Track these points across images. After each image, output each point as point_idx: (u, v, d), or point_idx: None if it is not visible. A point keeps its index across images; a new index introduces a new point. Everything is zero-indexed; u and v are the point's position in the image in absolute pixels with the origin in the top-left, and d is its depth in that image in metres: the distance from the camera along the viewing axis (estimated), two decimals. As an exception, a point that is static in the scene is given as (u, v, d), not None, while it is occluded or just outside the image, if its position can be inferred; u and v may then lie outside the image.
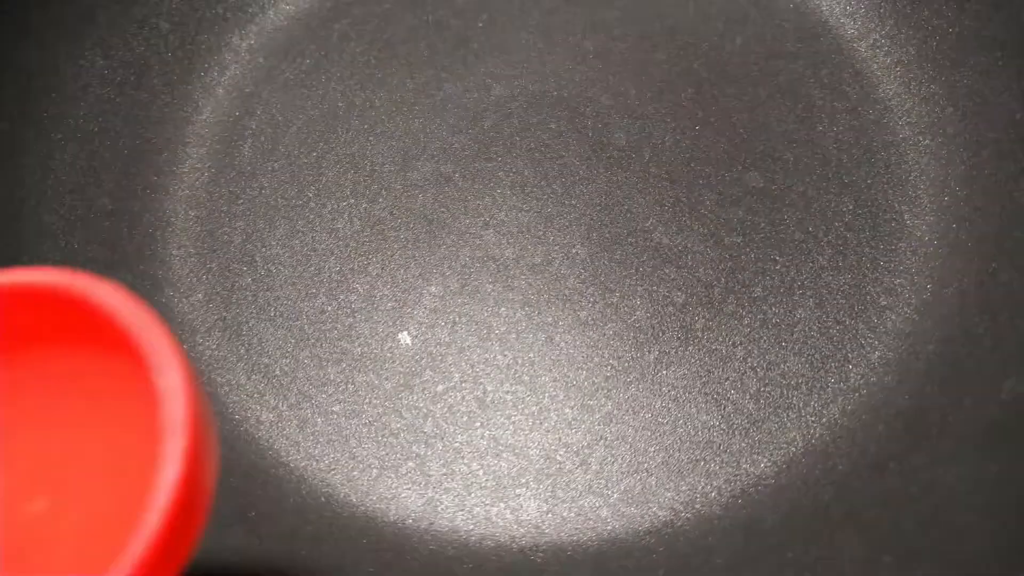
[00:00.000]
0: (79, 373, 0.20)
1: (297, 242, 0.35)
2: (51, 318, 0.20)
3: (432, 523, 0.31)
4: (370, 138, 0.36)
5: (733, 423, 0.32)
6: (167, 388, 0.18)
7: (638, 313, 0.33)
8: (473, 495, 0.32)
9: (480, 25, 0.38)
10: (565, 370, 0.33)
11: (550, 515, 0.31)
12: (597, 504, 0.31)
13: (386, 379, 0.33)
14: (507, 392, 0.33)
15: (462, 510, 0.32)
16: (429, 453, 0.32)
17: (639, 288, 0.34)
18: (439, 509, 0.32)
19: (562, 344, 0.33)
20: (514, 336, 0.33)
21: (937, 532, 0.28)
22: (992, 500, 0.28)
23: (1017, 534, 0.26)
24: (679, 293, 0.33)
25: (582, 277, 0.34)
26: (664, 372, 0.33)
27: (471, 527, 0.31)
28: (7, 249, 0.34)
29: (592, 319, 0.33)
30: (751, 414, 0.32)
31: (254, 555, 0.30)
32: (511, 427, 0.32)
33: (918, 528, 0.28)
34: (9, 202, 0.34)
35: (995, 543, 0.27)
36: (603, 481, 0.32)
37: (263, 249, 0.35)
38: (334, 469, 0.32)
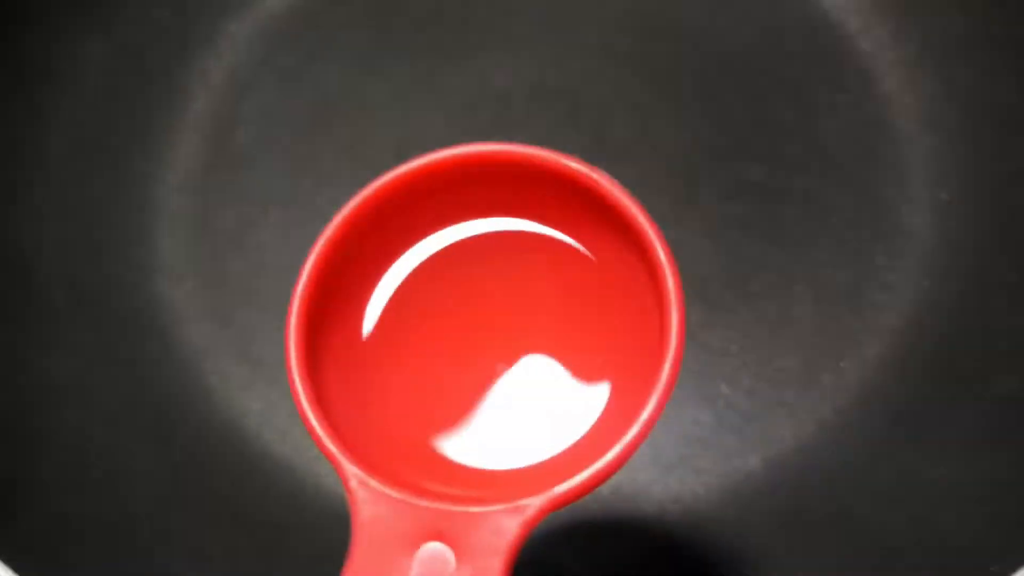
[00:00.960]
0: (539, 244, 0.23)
1: (291, 231, 0.35)
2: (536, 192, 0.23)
3: (421, 515, 0.31)
4: (366, 127, 0.36)
5: (725, 419, 0.32)
6: (659, 261, 0.21)
7: (633, 307, 0.33)
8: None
9: (480, 15, 0.38)
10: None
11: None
12: (586, 499, 0.31)
13: (377, 370, 0.33)
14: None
15: (451, 502, 0.32)
16: (419, 445, 0.32)
17: (634, 282, 0.33)
18: (428, 501, 0.32)
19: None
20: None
21: (925, 529, 0.28)
22: (980, 498, 0.28)
23: (1004, 531, 0.26)
24: (675, 287, 0.33)
25: (577, 270, 0.34)
26: (658, 367, 0.32)
27: (460, 519, 0.31)
28: (0, 233, 0.34)
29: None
30: (744, 410, 0.32)
31: (241, 544, 0.30)
32: (503, 420, 0.32)
33: (906, 525, 0.28)
34: (4, 186, 0.34)
35: (982, 540, 0.27)
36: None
37: (255, 237, 0.35)
38: (322, 459, 0.32)
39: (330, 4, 0.38)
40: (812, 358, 0.32)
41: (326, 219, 0.35)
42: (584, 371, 0.23)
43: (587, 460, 0.21)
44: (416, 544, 0.20)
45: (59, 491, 0.30)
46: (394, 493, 0.20)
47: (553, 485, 0.20)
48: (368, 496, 0.20)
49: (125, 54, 0.37)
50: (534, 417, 0.23)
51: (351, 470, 0.21)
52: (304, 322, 0.22)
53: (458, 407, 0.23)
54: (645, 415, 0.21)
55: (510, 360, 0.23)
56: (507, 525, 0.20)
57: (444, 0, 0.38)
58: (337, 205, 0.35)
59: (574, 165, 0.22)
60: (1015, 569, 0.25)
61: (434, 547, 0.20)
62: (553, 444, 0.22)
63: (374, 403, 0.23)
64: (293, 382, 0.21)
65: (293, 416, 0.33)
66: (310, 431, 0.21)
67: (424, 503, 0.20)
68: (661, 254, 0.21)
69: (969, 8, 0.35)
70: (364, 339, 0.23)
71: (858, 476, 0.30)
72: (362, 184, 0.35)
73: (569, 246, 0.23)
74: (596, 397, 0.23)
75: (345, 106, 0.37)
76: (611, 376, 0.23)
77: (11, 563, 0.26)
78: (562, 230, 0.23)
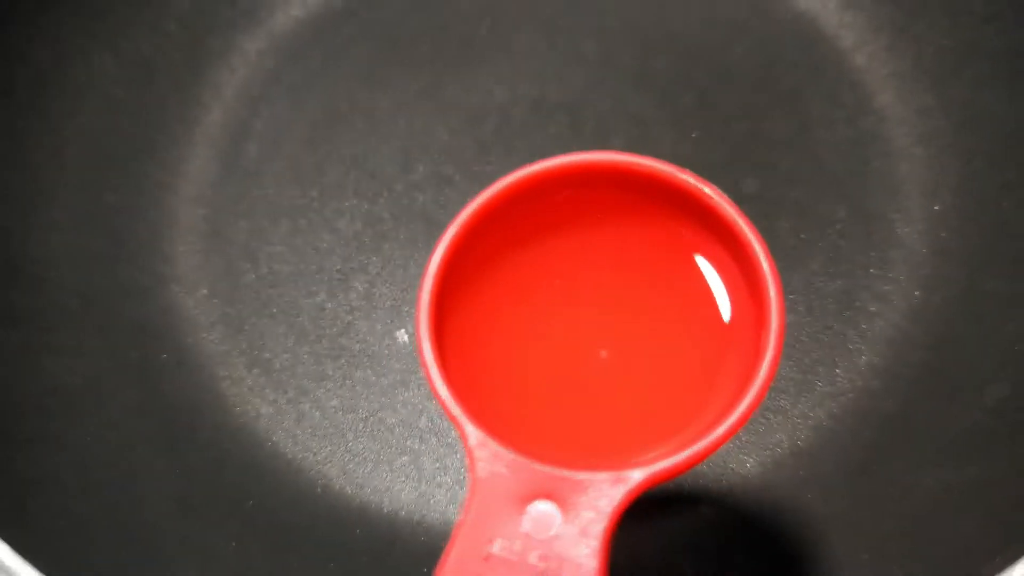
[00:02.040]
0: (643, 245, 0.26)
1: (299, 241, 0.36)
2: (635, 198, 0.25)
3: (424, 516, 0.32)
4: (372, 139, 0.37)
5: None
6: (762, 270, 0.23)
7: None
8: (465, 490, 0.32)
9: (483, 29, 0.38)
10: (559, 370, 0.33)
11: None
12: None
13: (383, 375, 0.34)
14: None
15: (454, 504, 0.32)
16: (423, 448, 0.33)
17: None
18: (431, 502, 0.32)
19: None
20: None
21: (916, 533, 0.28)
22: (971, 503, 0.28)
23: (995, 536, 0.27)
24: (672, 296, 0.34)
25: (578, 279, 0.34)
26: (656, 373, 0.33)
27: (463, 521, 0.32)
28: (16, 242, 0.34)
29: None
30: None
31: (251, 544, 0.31)
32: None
33: (897, 529, 0.29)
34: (19, 197, 0.35)
35: (973, 544, 0.27)
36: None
37: (266, 247, 0.36)
38: (330, 462, 0.33)
39: (338, 21, 0.39)
40: (807, 366, 0.33)
41: (333, 229, 0.36)
42: (685, 356, 0.25)
43: (688, 439, 0.23)
44: (527, 501, 0.22)
45: (74, 493, 0.30)
46: (510, 453, 0.22)
47: (657, 460, 0.22)
48: (486, 455, 0.22)
49: (138, 67, 0.38)
50: (638, 393, 0.25)
51: (472, 431, 0.23)
52: (433, 306, 0.24)
53: (566, 381, 0.25)
54: (743, 405, 0.22)
55: (616, 342, 0.25)
56: (612, 493, 0.22)
57: (447, 16, 0.39)
58: (343, 215, 0.36)
59: (682, 176, 0.24)
60: (1006, 572, 0.25)
61: (544, 506, 0.22)
62: (658, 419, 0.24)
63: (490, 376, 0.25)
64: (424, 356, 0.23)
65: (300, 419, 0.33)
66: (437, 396, 0.23)
67: (537, 465, 0.22)
68: (759, 252, 0.24)
69: (962, 23, 0.35)
70: (481, 320, 0.25)
71: (851, 481, 0.31)
72: (367, 194, 0.36)
73: (674, 245, 0.25)
74: (699, 381, 0.25)
75: (352, 119, 0.37)
76: (711, 362, 0.25)
77: (29, 559, 0.26)
78: (666, 233, 0.25)
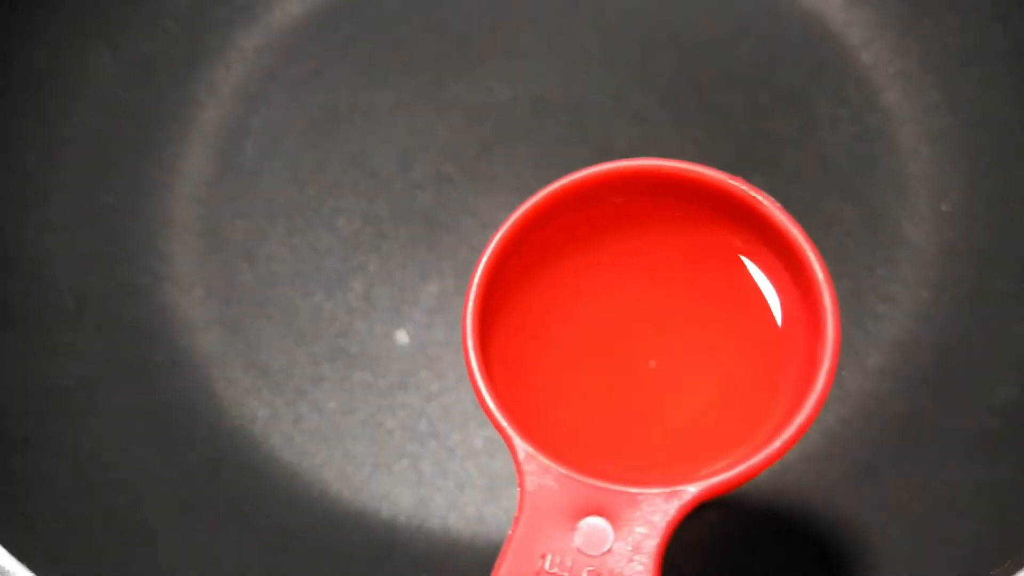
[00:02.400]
0: (694, 256, 0.25)
1: (297, 240, 0.35)
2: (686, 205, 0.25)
3: (424, 521, 0.32)
4: (372, 138, 0.37)
5: (725, 427, 0.32)
6: (817, 279, 0.23)
7: (635, 316, 0.33)
8: (466, 494, 0.32)
9: (484, 27, 0.38)
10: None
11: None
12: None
13: (382, 377, 0.33)
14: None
15: (454, 509, 0.32)
16: (422, 452, 0.32)
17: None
18: (431, 507, 0.32)
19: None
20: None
21: (923, 536, 0.28)
22: (980, 505, 0.28)
23: (1003, 538, 0.27)
24: (676, 297, 0.34)
25: (580, 280, 0.34)
26: (659, 375, 0.33)
27: (462, 526, 0.31)
28: (12, 242, 0.34)
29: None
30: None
31: (248, 547, 0.31)
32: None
33: (905, 533, 0.29)
34: (15, 196, 0.35)
35: (981, 547, 0.27)
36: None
37: (263, 247, 0.35)
38: (328, 465, 0.32)
39: (336, 17, 0.39)
40: (813, 367, 0.33)
41: (331, 229, 0.36)
42: (738, 368, 0.25)
43: (743, 453, 0.22)
44: (578, 516, 0.22)
45: (70, 494, 0.30)
46: (560, 468, 0.22)
47: (712, 474, 0.22)
48: (535, 469, 0.22)
49: (135, 65, 0.37)
50: (690, 405, 0.25)
51: (521, 444, 0.22)
52: (478, 315, 0.24)
53: (615, 393, 0.25)
54: (801, 418, 0.22)
55: (667, 351, 0.25)
56: (665, 507, 0.22)
57: (447, 13, 0.38)
58: (341, 215, 0.36)
59: (732, 182, 0.24)
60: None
61: (595, 521, 0.22)
62: (711, 431, 0.24)
63: (537, 387, 0.25)
64: (471, 366, 0.23)
65: (298, 422, 0.33)
66: (485, 409, 0.23)
67: (587, 480, 0.22)
68: (812, 259, 0.23)
69: (969, 21, 0.35)
70: (526, 329, 0.25)
71: (859, 484, 0.30)
72: (366, 193, 0.36)
73: (725, 254, 0.25)
74: (753, 390, 0.24)
75: (350, 117, 0.37)
76: (765, 374, 0.24)
77: (25, 561, 0.26)
78: (715, 240, 0.25)
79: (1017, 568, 0.25)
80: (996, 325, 0.32)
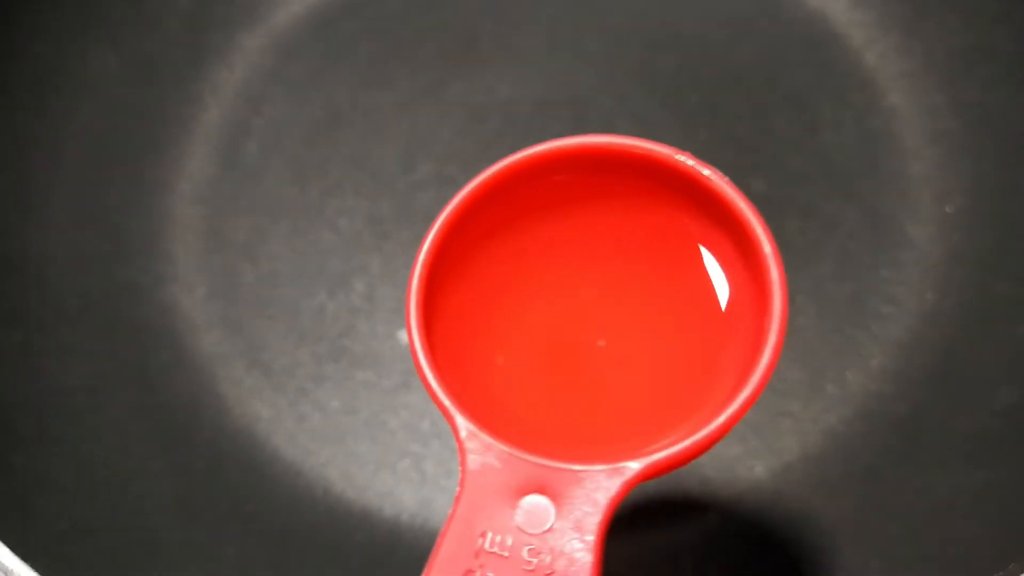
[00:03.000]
0: (642, 233, 0.25)
1: (299, 240, 0.35)
2: (639, 182, 0.24)
3: (427, 520, 0.32)
4: (374, 138, 0.37)
5: (729, 429, 0.32)
6: (764, 253, 0.22)
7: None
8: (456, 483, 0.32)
9: (486, 28, 0.38)
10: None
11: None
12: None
13: (384, 377, 0.33)
14: (505, 393, 0.33)
15: (457, 508, 0.32)
16: (425, 451, 0.32)
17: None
18: (434, 507, 0.32)
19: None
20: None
21: (925, 539, 0.28)
22: (983, 507, 0.28)
23: (1006, 540, 0.26)
24: (679, 298, 0.34)
25: (582, 280, 0.34)
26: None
27: (465, 526, 0.31)
28: (14, 242, 0.34)
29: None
30: (748, 420, 0.32)
31: (251, 547, 0.31)
32: (508, 428, 0.32)
33: (907, 535, 0.28)
34: (18, 195, 0.35)
35: (984, 549, 0.27)
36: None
37: (265, 247, 0.35)
38: (331, 465, 0.32)
39: (338, 17, 0.39)
40: (816, 369, 0.32)
41: (334, 229, 0.36)
42: (684, 346, 0.25)
43: (688, 431, 0.22)
44: (519, 495, 0.22)
45: (73, 494, 0.30)
46: (502, 446, 0.22)
47: (653, 451, 0.22)
48: (477, 447, 0.22)
49: (137, 65, 0.37)
50: (635, 383, 0.24)
51: (462, 422, 0.22)
52: (423, 292, 0.23)
53: (560, 371, 0.25)
54: (744, 394, 0.22)
55: (615, 331, 0.25)
56: (607, 484, 0.21)
57: (450, 12, 0.38)
58: (344, 215, 0.36)
59: (679, 158, 0.24)
60: (1017, 578, 0.25)
61: (536, 499, 0.22)
62: (655, 410, 0.24)
63: (482, 367, 0.24)
64: (412, 341, 0.23)
65: (301, 422, 0.33)
66: (425, 385, 0.23)
67: (529, 457, 0.22)
68: (759, 233, 0.23)
69: (973, 22, 0.35)
70: (473, 308, 0.25)
71: (862, 485, 0.30)
72: (368, 194, 0.36)
73: (673, 231, 0.25)
74: (699, 372, 0.24)
75: (353, 118, 0.37)
76: (712, 351, 0.24)
77: (28, 561, 0.26)
78: (665, 219, 0.25)
79: (1020, 571, 0.25)
80: (999, 327, 0.31)
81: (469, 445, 0.22)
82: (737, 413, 0.22)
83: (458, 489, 0.22)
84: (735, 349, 0.23)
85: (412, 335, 0.23)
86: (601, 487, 0.21)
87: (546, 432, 0.24)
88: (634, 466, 0.21)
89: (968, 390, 0.31)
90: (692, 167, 0.24)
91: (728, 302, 0.24)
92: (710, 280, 0.24)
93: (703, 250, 0.25)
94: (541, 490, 0.22)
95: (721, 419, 0.22)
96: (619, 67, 0.37)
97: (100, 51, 0.37)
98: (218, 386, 0.34)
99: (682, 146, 0.35)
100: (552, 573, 0.21)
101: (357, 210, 0.36)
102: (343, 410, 0.33)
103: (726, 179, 0.23)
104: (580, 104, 0.36)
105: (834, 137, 0.35)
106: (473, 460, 0.22)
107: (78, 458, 0.31)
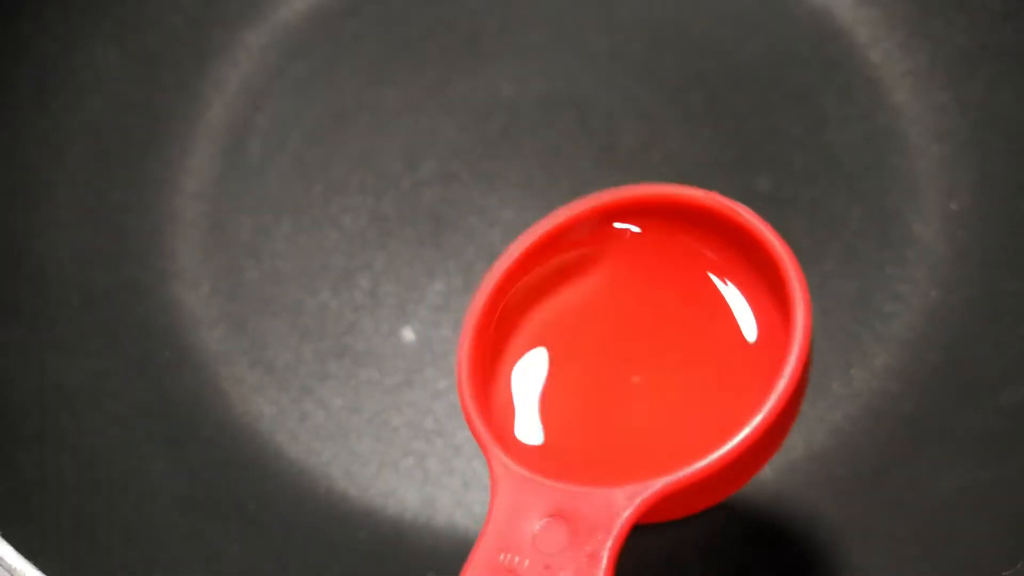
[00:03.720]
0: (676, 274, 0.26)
1: (303, 238, 0.35)
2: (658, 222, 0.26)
3: (430, 518, 0.31)
4: (378, 136, 0.37)
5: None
6: (795, 295, 0.23)
7: (642, 315, 0.33)
8: (472, 492, 0.32)
9: (491, 25, 0.38)
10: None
11: (548, 514, 0.31)
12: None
13: (388, 375, 0.33)
14: (509, 391, 0.33)
15: (460, 506, 0.32)
16: (429, 449, 0.32)
17: (643, 290, 0.34)
18: (437, 505, 0.32)
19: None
20: (517, 335, 0.33)
21: (931, 537, 0.28)
22: (988, 506, 0.28)
23: (1013, 538, 0.26)
24: (683, 296, 0.33)
25: (587, 278, 0.34)
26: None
27: (468, 523, 0.31)
28: (18, 239, 0.34)
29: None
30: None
31: (253, 544, 0.31)
32: (512, 426, 0.32)
33: (913, 534, 0.28)
34: (21, 192, 0.35)
35: (990, 547, 0.27)
36: (603, 482, 0.32)
37: (269, 244, 0.35)
38: (334, 463, 0.32)
39: (343, 15, 0.39)
40: (821, 367, 0.32)
41: (337, 226, 0.36)
42: (714, 380, 0.25)
43: (698, 458, 0.23)
44: (540, 517, 0.23)
45: (76, 491, 0.30)
46: (524, 471, 0.23)
47: (663, 476, 0.22)
48: (503, 471, 0.23)
49: (141, 62, 0.37)
50: (662, 417, 0.25)
51: (495, 449, 0.24)
52: (479, 332, 0.25)
53: (592, 405, 0.26)
54: (757, 420, 0.22)
55: (645, 368, 0.26)
56: (619, 507, 0.22)
57: (454, 11, 0.38)
58: (347, 212, 0.36)
59: (710, 197, 0.25)
60: (1025, 577, 0.25)
61: (552, 522, 0.23)
62: (680, 443, 0.24)
63: (516, 397, 0.26)
64: (460, 379, 0.25)
65: (303, 419, 0.33)
66: (468, 421, 0.24)
67: (547, 482, 0.23)
68: (789, 270, 0.24)
69: (979, 20, 0.35)
70: (519, 346, 0.26)
71: (867, 484, 0.30)
72: (372, 191, 0.36)
73: (701, 270, 0.26)
74: (725, 404, 0.25)
75: (357, 115, 0.37)
76: (738, 385, 0.25)
77: (31, 559, 0.26)
78: (694, 257, 0.26)
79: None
80: (1005, 325, 0.31)
81: (498, 471, 0.23)
82: (749, 437, 0.22)
83: (488, 512, 0.23)
84: (763, 383, 0.24)
85: (461, 375, 0.25)
86: (614, 509, 0.22)
87: (569, 457, 0.25)
88: (646, 489, 0.22)
89: (974, 388, 0.31)
90: (723, 205, 0.25)
91: (757, 339, 0.25)
92: (735, 318, 0.25)
93: (732, 290, 0.26)
94: (558, 513, 0.23)
95: (733, 443, 0.22)
96: (623, 64, 0.37)
97: (104, 48, 0.37)
98: (221, 384, 0.34)
99: (686, 144, 0.36)
100: None
101: (361, 207, 0.36)
102: (346, 408, 0.33)
103: (756, 215, 0.25)
104: (584, 101, 0.36)
105: (839, 135, 0.35)
106: (502, 485, 0.23)
107: (81, 455, 0.31)
